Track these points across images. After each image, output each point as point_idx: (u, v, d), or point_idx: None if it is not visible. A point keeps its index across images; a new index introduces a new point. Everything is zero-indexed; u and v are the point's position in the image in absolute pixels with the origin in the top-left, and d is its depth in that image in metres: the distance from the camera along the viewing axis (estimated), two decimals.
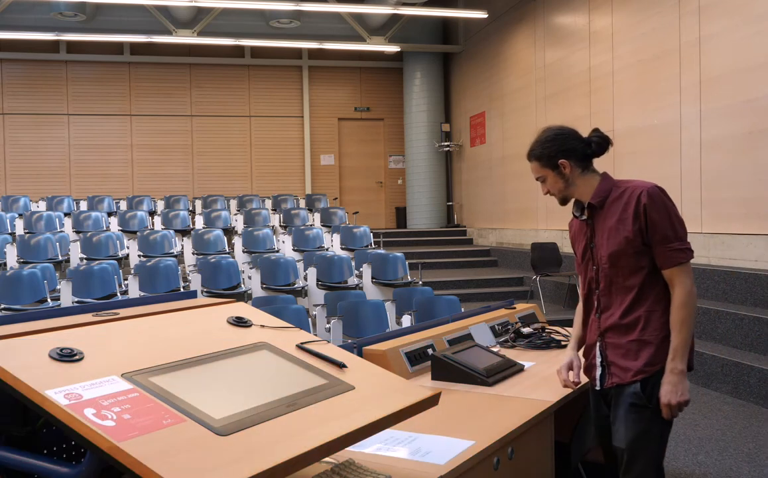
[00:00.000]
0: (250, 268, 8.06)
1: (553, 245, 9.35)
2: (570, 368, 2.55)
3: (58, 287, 7.03)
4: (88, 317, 1.72)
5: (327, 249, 9.69)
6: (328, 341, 2.02)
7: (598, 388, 2.41)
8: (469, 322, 3.53)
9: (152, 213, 11.63)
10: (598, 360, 2.40)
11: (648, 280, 2.30)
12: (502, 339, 3.54)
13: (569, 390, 2.58)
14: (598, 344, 2.40)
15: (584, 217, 2.43)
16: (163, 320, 1.79)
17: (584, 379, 2.54)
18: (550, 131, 2.43)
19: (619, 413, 2.32)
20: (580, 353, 2.58)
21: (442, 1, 13.49)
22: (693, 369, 2.31)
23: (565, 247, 10.07)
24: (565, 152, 2.39)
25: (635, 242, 2.28)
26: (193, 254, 9.14)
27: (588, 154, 2.41)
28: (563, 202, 2.47)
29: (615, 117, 9.01)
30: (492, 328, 3.59)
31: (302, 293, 7.74)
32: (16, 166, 13.43)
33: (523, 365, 3.00)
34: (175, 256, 8.78)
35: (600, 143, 2.41)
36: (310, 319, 5.76)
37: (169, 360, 1.57)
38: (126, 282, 7.35)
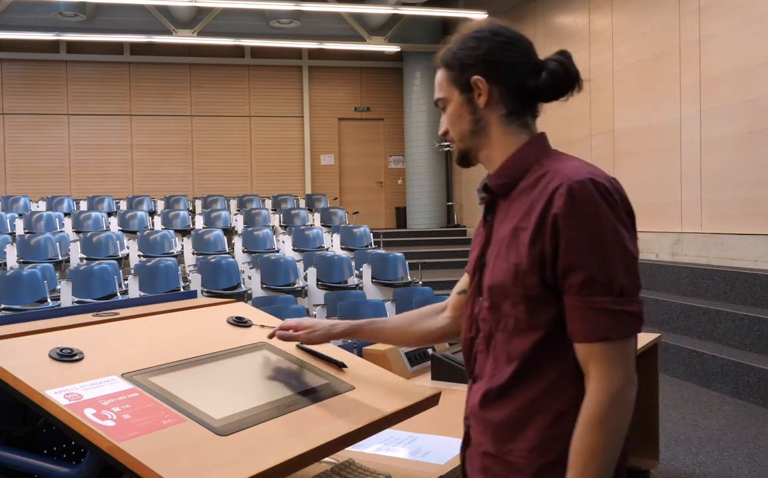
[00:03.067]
0: (250, 268, 8.07)
1: None
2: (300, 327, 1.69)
3: (58, 287, 7.03)
4: (88, 317, 1.72)
5: (327, 249, 9.69)
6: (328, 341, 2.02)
7: None
8: None
9: (152, 213, 11.63)
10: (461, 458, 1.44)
11: (546, 351, 1.25)
12: None
13: None
14: (464, 427, 1.42)
15: (482, 204, 1.42)
16: (163, 320, 1.79)
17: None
18: (484, 28, 1.39)
19: None
20: (342, 328, 1.69)
21: (442, 1, 13.49)
22: None
23: None
24: (490, 66, 1.33)
25: (529, 277, 1.24)
26: (193, 254, 9.14)
27: (530, 89, 1.35)
28: (464, 159, 1.42)
29: (615, 117, 9.00)
30: None
31: (302, 293, 7.74)
32: (16, 166, 13.43)
33: None
34: (175, 256, 8.78)
35: (557, 73, 1.33)
36: None
37: (169, 360, 1.57)
38: (126, 282, 7.35)
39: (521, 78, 1.34)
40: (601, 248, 1.19)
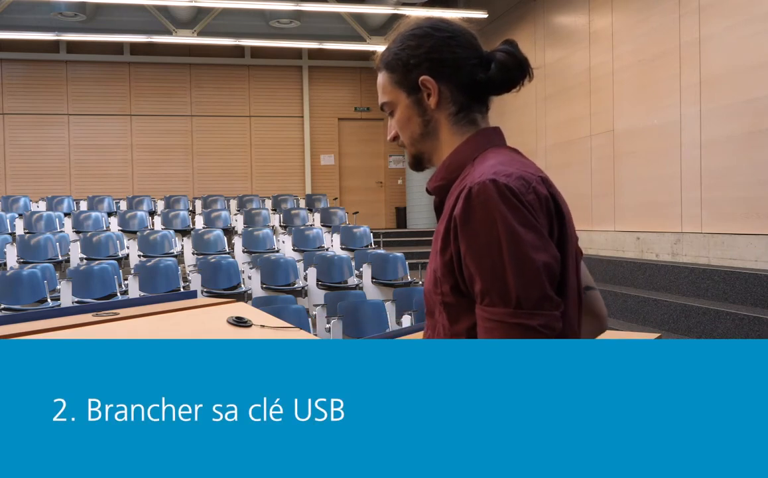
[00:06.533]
0: (250, 268, 8.06)
1: None
2: None
3: (58, 287, 7.03)
4: (88, 317, 1.72)
5: (327, 249, 9.68)
6: None
7: None
8: None
9: (152, 213, 11.63)
10: None
11: None
12: None
13: None
14: None
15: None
16: (163, 320, 1.79)
17: None
18: (423, 25, 1.31)
19: None
20: None
21: (442, 1, 13.49)
22: None
23: None
24: (437, 64, 1.27)
25: (443, 283, 1.20)
26: (193, 254, 9.13)
27: (480, 83, 1.27)
28: (417, 164, 1.36)
29: (615, 117, 9.00)
30: None
31: (302, 293, 7.74)
32: (16, 166, 13.43)
33: None
34: (175, 256, 8.78)
35: (506, 64, 1.26)
36: (310, 319, 5.76)
37: None
38: (126, 282, 7.35)
39: (470, 73, 1.26)
40: (496, 255, 1.09)
